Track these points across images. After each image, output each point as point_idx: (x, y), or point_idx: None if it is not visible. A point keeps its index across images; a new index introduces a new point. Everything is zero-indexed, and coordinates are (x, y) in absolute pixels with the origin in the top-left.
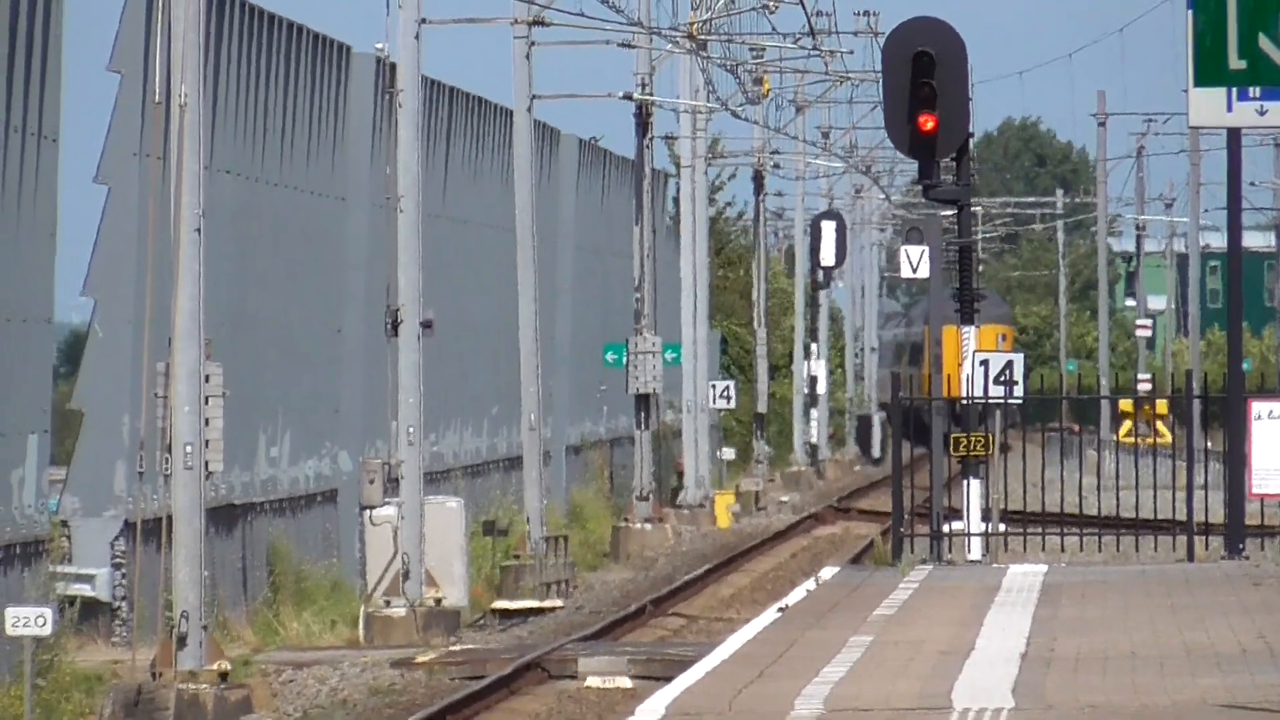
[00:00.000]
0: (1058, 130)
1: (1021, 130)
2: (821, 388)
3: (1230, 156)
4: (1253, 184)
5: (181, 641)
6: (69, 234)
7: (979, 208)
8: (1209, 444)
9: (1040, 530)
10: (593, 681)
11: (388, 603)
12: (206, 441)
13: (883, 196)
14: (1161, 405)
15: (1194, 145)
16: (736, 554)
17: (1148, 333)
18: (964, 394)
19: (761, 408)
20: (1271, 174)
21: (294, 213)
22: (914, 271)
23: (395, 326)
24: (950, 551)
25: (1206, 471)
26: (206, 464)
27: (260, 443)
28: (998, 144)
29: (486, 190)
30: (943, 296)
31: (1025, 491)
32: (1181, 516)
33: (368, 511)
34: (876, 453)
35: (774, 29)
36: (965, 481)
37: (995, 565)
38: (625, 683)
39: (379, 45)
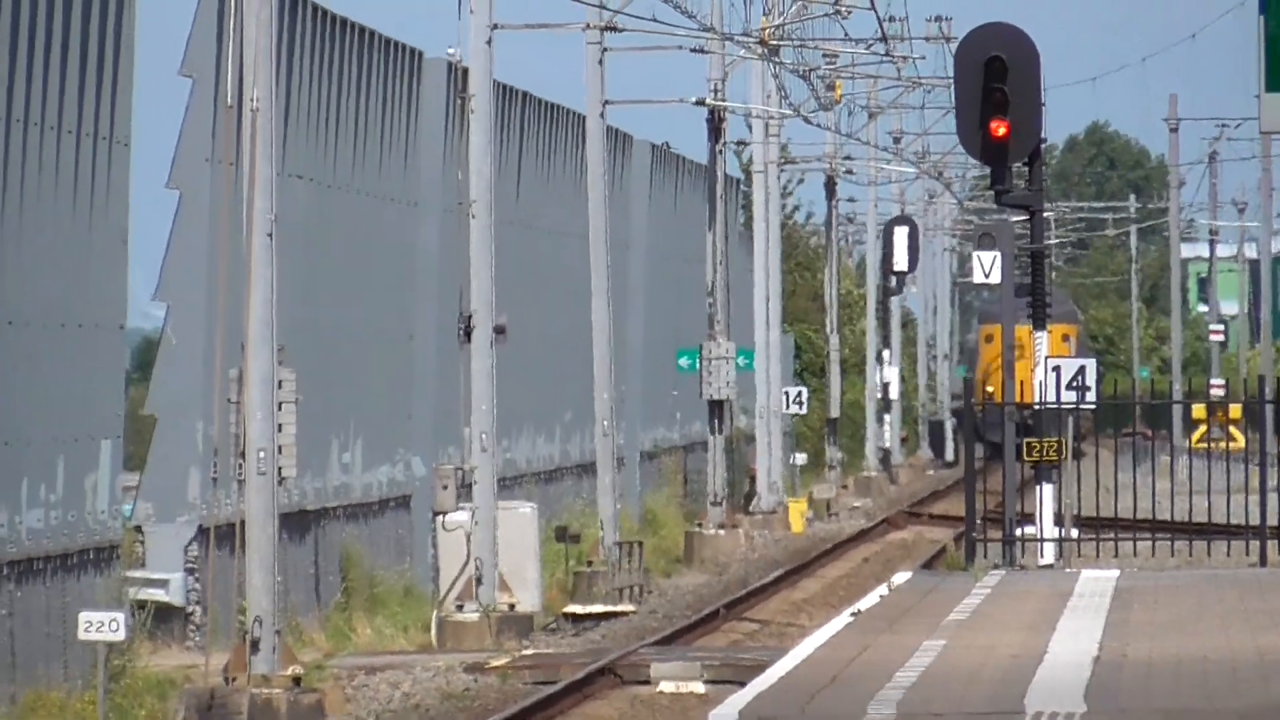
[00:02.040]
0: (1130, 136)
1: (1093, 135)
2: (894, 393)
3: None
4: None
5: (254, 646)
6: (141, 240)
7: (1051, 213)
8: None
9: (1113, 535)
10: (665, 686)
11: (460, 608)
12: (279, 447)
13: (955, 202)
14: (1234, 410)
15: (1265, 150)
16: (809, 559)
17: (1220, 338)
18: (1036, 399)
19: (834, 413)
20: None
21: (366, 218)
22: (986, 277)
23: (468, 333)
24: (1023, 556)
25: None
26: (280, 470)
27: (333, 449)
28: (1071, 149)
29: (559, 196)
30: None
31: (1098, 496)
32: (1254, 521)
33: (441, 517)
34: (949, 457)
35: (846, 34)
36: (1038, 486)
37: (1068, 570)
38: (698, 687)
39: (451, 50)
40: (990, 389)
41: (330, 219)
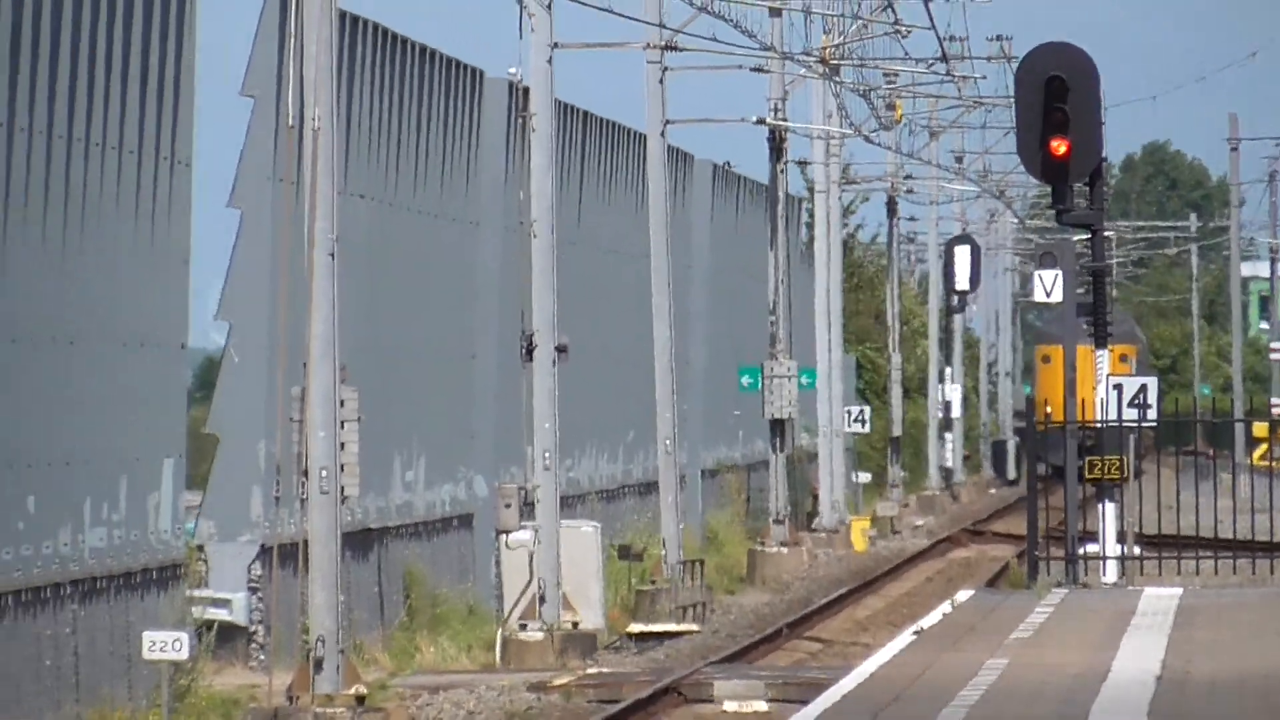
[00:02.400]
0: (1190, 154)
1: (1152, 155)
2: (956, 411)
3: None
4: None
5: (318, 665)
6: (203, 259)
7: (1112, 232)
8: None
9: (1175, 553)
10: (729, 705)
11: (524, 626)
12: (342, 466)
13: (1016, 221)
14: None
15: None
16: (872, 577)
17: None
18: (1098, 417)
19: (896, 432)
20: None
21: (427, 237)
22: (1047, 296)
23: (530, 352)
24: (1085, 574)
25: None
26: (342, 488)
27: (395, 467)
28: (1128, 169)
29: (620, 215)
30: (1053, 315)
31: (1160, 514)
32: None
33: (504, 536)
34: (1011, 475)
35: (906, 54)
36: (1100, 505)
37: (1130, 588)
38: (761, 706)
39: (511, 69)
40: (1049, 408)
41: (392, 238)
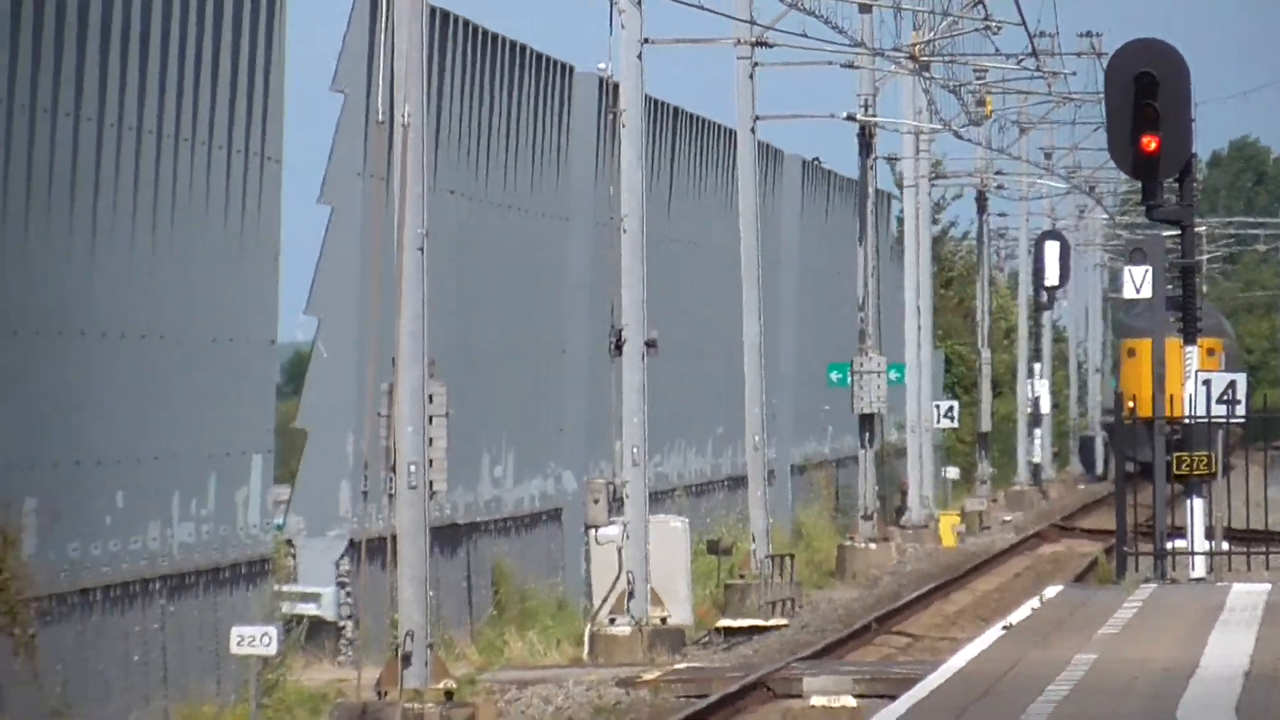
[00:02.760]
0: (1277, 149)
1: (1240, 150)
2: (1045, 407)
3: None
4: None
5: (406, 660)
6: (292, 254)
7: (1202, 227)
8: None
9: (1264, 549)
10: (817, 700)
11: (612, 621)
12: (430, 461)
13: (1106, 216)
14: None
15: None
16: (960, 573)
17: None
18: (1185, 413)
19: (985, 427)
20: None
21: (517, 232)
22: (1137, 291)
23: (619, 346)
24: (1174, 570)
25: None
26: (431, 483)
27: (484, 462)
28: (1216, 165)
29: (710, 210)
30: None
31: (1248, 510)
32: None
33: (592, 531)
34: (1099, 471)
35: (996, 49)
36: (1188, 500)
37: (1219, 584)
38: (849, 701)
39: (601, 65)
40: (1132, 404)
41: (482, 233)
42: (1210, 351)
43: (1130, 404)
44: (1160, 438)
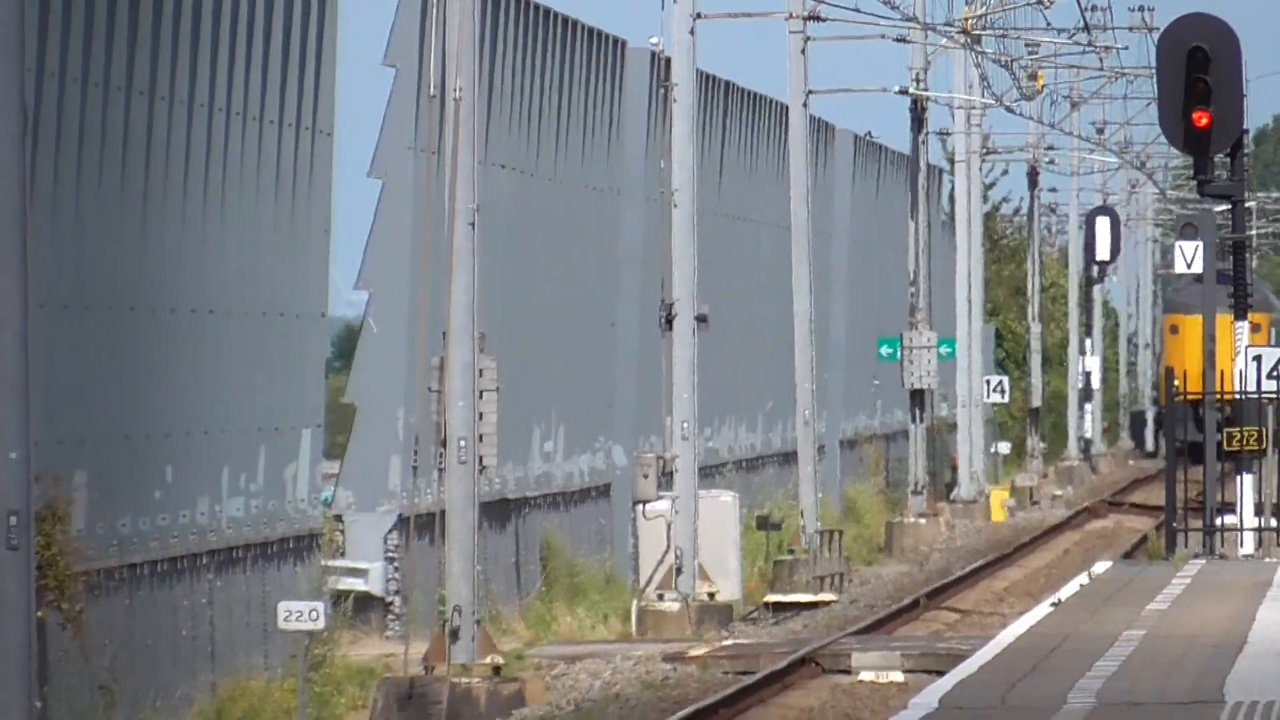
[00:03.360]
0: None
1: None
2: (1095, 382)
3: None
4: None
5: (454, 635)
6: (343, 228)
7: (1253, 203)
8: None
9: None
10: (865, 676)
11: (660, 597)
12: (480, 435)
13: (1157, 192)
14: None
15: None
16: (1010, 549)
17: None
18: (1236, 389)
19: (1035, 402)
20: None
21: (568, 207)
22: (1188, 266)
23: (670, 321)
24: (1223, 546)
25: None
26: (480, 458)
27: (534, 437)
28: (1261, 141)
29: (761, 185)
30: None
31: None
32: None
33: (641, 506)
34: (1149, 447)
35: (1048, 24)
36: (1238, 477)
37: (1268, 560)
38: (898, 676)
39: (653, 40)
40: (1176, 383)
41: (533, 208)
42: (1256, 327)
43: (1179, 383)
44: (1211, 414)
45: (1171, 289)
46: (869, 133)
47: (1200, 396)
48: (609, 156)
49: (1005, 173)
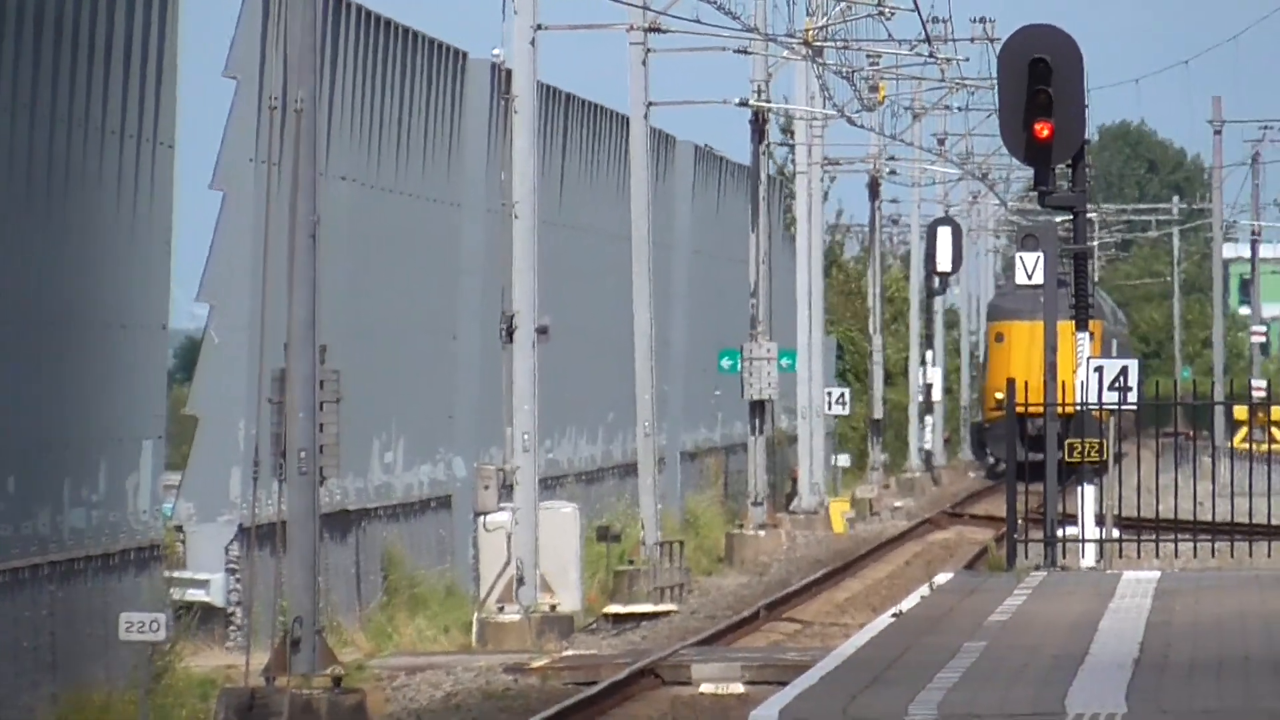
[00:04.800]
0: (1172, 136)
1: (1129, 136)
2: (937, 394)
3: None
4: None
5: (295, 646)
6: (185, 240)
7: (1094, 214)
8: None
9: (1154, 537)
10: (706, 687)
11: (501, 608)
12: (321, 447)
13: (998, 203)
14: (1276, 411)
15: None
16: (851, 560)
17: (1262, 339)
18: (1078, 401)
19: (877, 414)
20: None
21: (409, 219)
22: (1029, 278)
23: (510, 333)
24: (1064, 557)
25: None
26: (321, 469)
27: (375, 448)
28: (1106, 150)
29: (602, 197)
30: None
31: (1139, 497)
32: None
33: (482, 517)
34: (992, 460)
35: (890, 35)
36: (1079, 488)
37: (1110, 571)
38: (739, 688)
39: (495, 51)
40: (1000, 395)
41: (374, 219)
42: (1090, 335)
43: (998, 395)
44: (1053, 425)
45: (998, 293)
46: (708, 145)
47: (1040, 409)
48: (450, 168)
49: (833, 179)
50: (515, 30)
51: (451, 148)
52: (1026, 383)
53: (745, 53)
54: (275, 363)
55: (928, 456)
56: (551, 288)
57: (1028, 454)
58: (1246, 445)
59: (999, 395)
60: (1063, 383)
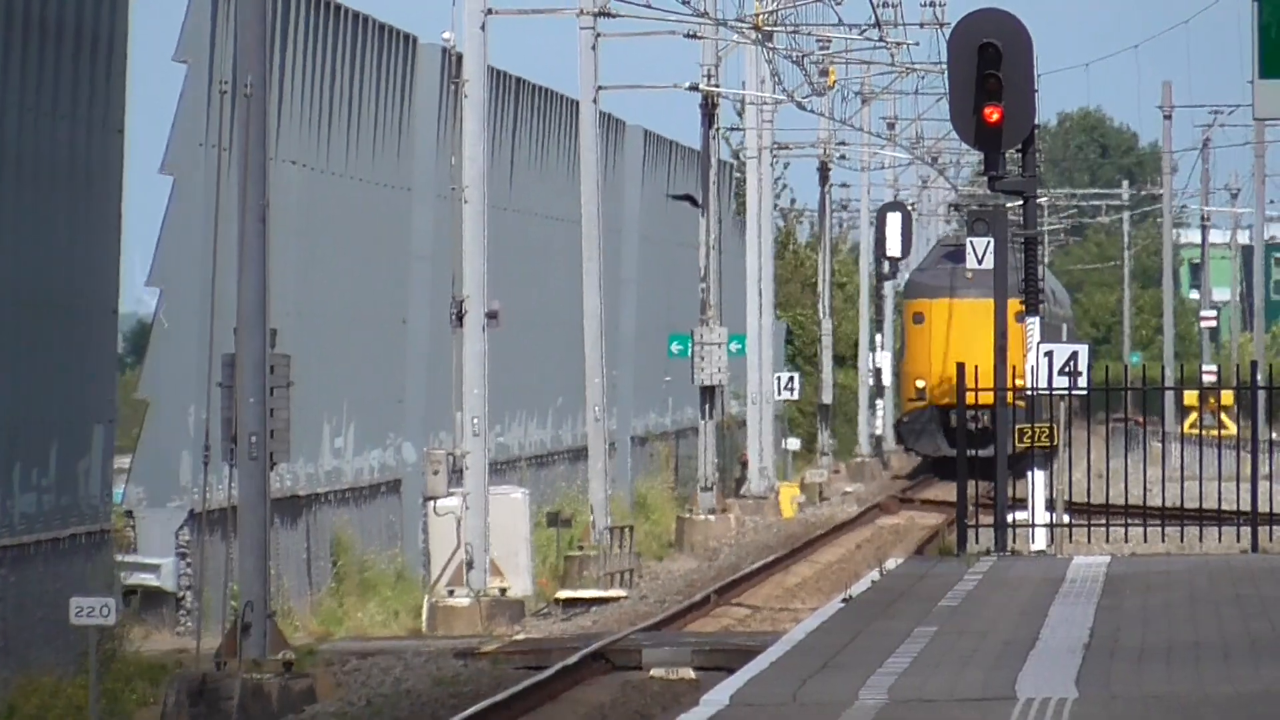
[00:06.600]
0: (1123, 122)
1: (1084, 121)
2: (886, 379)
3: None
4: None
5: (245, 631)
6: (135, 225)
7: (1045, 199)
8: (1273, 435)
9: (1104, 521)
10: (656, 672)
11: (451, 593)
12: (271, 432)
13: (948, 187)
14: (1226, 397)
15: (1259, 137)
16: (801, 544)
17: (1213, 324)
18: (1029, 385)
19: (826, 399)
20: None
21: (360, 203)
22: (979, 262)
23: (460, 317)
24: (1014, 542)
25: (1270, 462)
26: (271, 454)
27: (325, 433)
28: (1059, 135)
29: (552, 182)
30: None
31: (1089, 483)
32: (1245, 507)
33: (432, 502)
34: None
35: (840, 20)
36: (1029, 473)
37: (1059, 556)
38: (689, 673)
39: (445, 35)
40: (920, 384)
41: (324, 204)
42: (1019, 316)
43: (919, 384)
44: (1005, 412)
45: (915, 269)
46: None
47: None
48: (400, 153)
49: (787, 166)
50: (465, 14)
51: (402, 132)
52: (962, 365)
53: (695, 37)
54: (226, 347)
55: (878, 441)
56: (501, 272)
57: (979, 450)
58: (1196, 430)
59: (919, 384)
60: (976, 366)
